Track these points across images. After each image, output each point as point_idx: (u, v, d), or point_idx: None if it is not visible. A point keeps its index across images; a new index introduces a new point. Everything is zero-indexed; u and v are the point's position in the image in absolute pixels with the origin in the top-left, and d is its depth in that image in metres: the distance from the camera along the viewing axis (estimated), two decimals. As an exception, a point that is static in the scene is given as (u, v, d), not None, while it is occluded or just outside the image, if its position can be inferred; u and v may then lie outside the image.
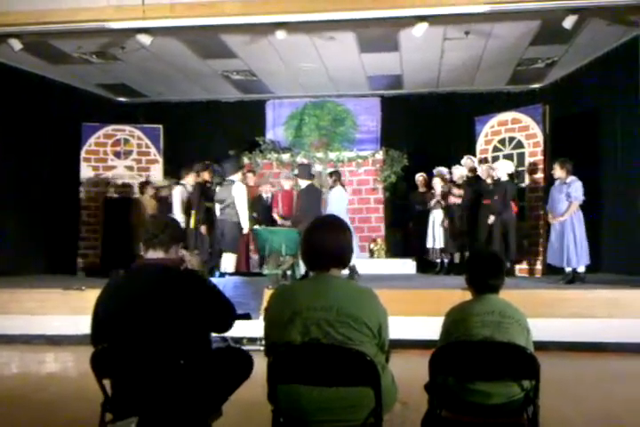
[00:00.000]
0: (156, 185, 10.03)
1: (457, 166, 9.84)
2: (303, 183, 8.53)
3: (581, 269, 7.75)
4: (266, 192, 9.90)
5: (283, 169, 11.36)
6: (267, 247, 8.03)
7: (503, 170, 9.13)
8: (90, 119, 11.03)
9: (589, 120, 9.97)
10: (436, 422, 2.75)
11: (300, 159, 11.56)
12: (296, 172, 9.14)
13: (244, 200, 7.88)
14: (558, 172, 7.89)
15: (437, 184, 9.80)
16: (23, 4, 7.70)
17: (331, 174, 9.15)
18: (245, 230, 7.95)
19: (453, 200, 9.41)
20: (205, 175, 8.55)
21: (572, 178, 7.77)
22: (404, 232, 11.15)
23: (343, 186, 9.18)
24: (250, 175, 10.26)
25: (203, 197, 8.31)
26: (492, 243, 8.78)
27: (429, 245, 9.76)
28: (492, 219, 8.80)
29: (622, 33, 8.54)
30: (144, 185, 10.08)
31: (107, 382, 2.71)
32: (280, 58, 9.79)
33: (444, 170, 10.17)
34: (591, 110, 9.96)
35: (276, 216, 9.55)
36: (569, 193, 7.68)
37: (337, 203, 8.66)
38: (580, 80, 10.34)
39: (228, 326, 2.88)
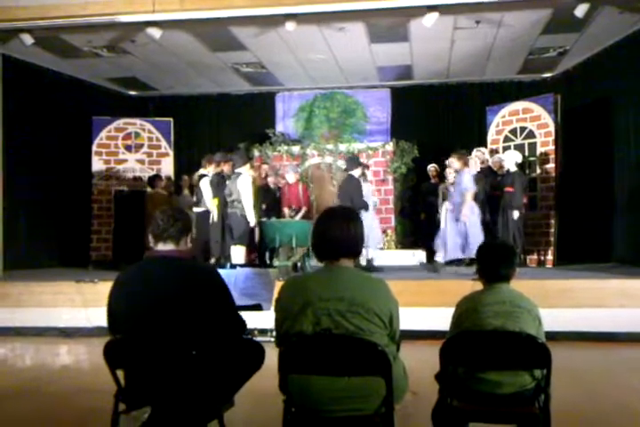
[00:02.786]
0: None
1: (470, 157, 9.66)
2: (356, 173, 8.65)
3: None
4: (273, 184, 9.91)
5: (292, 161, 11.37)
6: (277, 239, 8.04)
7: (511, 160, 9.06)
8: (101, 113, 11.07)
9: (601, 109, 9.89)
10: (447, 412, 2.75)
11: (311, 151, 11.56)
12: (345, 165, 9.40)
13: (250, 193, 7.85)
14: (456, 164, 8.11)
15: (451, 175, 9.72)
16: (33, -2, 7.74)
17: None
18: (252, 224, 7.93)
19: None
20: (225, 167, 8.54)
21: (464, 170, 7.98)
22: (414, 223, 11.12)
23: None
24: (264, 167, 10.30)
25: (221, 189, 8.32)
26: (504, 234, 8.72)
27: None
28: (516, 214, 8.71)
29: (634, 21, 8.47)
30: (154, 179, 10.11)
31: (120, 373, 2.73)
32: (290, 50, 9.77)
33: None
34: (603, 99, 9.88)
35: (286, 210, 9.57)
36: (461, 185, 7.89)
37: None
38: (592, 69, 10.25)
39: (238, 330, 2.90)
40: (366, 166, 9.74)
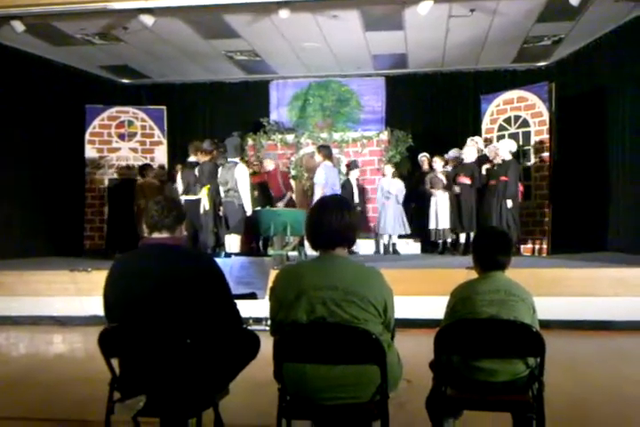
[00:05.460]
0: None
1: (467, 146, 9.62)
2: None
3: None
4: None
5: (287, 150, 11.35)
6: (271, 228, 8.03)
7: (505, 149, 9.05)
8: (93, 101, 11.00)
9: (596, 98, 9.88)
10: (441, 400, 2.76)
11: (305, 140, 11.53)
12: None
13: (247, 183, 7.85)
14: (316, 156, 8.39)
15: (438, 164, 9.70)
16: (24, -15, 7.66)
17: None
18: (249, 213, 7.92)
19: (462, 180, 9.27)
20: (215, 154, 8.52)
21: (321, 164, 8.25)
22: (408, 212, 11.11)
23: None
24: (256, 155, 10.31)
25: (213, 177, 8.27)
26: (499, 223, 8.72)
27: (432, 226, 9.65)
28: (509, 204, 8.72)
29: (630, 9, 8.46)
30: (144, 168, 10.07)
31: (115, 362, 2.73)
32: (283, 37, 9.71)
33: (457, 154, 10.03)
34: (598, 88, 9.88)
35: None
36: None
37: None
38: (587, 57, 10.24)
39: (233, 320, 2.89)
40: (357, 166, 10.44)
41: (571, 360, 4.99)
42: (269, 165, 9.84)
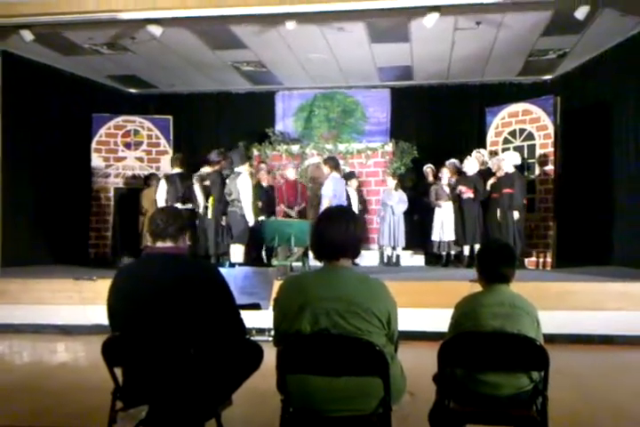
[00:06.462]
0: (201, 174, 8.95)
1: (468, 159, 9.66)
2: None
3: None
4: (267, 183, 9.87)
5: (293, 160, 11.38)
6: (276, 239, 8.03)
7: (508, 162, 9.05)
8: (100, 110, 11.05)
9: (601, 111, 9.89)
10: (444, 414, 2.75)
11: (310, 151, 11.56)
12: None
13: (249, 193, 7.86)
14: (324, 168, 8.43)
15: (444, 175, 9.70)
16: (34, -6, 7.73)
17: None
18: (251, 223, 7.92)
19: (466, 195, 9.27)
20: (223, 164, 8.54)
21: (329, 176, 8.28)
22: (412, 224, 11.09)
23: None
24: (262, 166, 10.31)
25: (218, 187, 8.28)
26: (503, 236, 8.69)
27: (435, 238, 9.64)
28: (516, 215, 8.70)
29: (635, 23, 8.48)
30: (149, 178, 10.08)
31: (118, 371, 2.73)
32: (290, 49, 9.76)
33: (455, 162, 10.08)
34: (603, 102, 9.88)
35: (283, 208, 9.61)
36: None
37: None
38: (592, 71, 10.25)
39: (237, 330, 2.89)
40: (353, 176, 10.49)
41: (575, 375, 4.97)
42: (291, 174, 9.92)
